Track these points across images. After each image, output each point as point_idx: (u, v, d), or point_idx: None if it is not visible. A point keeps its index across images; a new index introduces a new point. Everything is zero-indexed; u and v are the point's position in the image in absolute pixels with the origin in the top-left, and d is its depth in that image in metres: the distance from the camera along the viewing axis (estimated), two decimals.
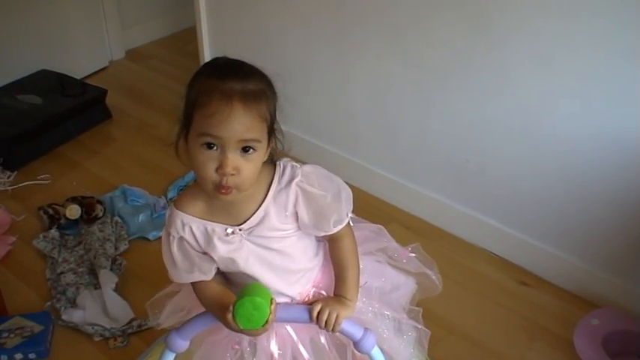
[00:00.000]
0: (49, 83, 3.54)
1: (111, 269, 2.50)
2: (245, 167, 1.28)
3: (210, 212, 1.39)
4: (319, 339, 1.52)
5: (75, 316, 2.31)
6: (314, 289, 1.51)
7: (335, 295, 1.45)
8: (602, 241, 2.36)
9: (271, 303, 1.29)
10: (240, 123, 1.25)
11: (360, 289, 1.49)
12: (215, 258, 1.39)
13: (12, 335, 2.22)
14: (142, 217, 2.81)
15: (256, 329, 1.30)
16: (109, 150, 3.39)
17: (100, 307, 2.34)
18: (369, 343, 1.35)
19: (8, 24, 3.55)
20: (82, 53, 3.99)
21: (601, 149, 2.23)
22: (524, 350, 2.30)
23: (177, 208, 1.40)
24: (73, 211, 2.75)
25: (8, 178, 3.09)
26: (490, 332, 2.35)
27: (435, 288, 1.74)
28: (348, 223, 1.46)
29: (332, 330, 1.37)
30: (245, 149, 1.27)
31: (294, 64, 3.02)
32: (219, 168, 1.26)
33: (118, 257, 2.59)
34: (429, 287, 1.73)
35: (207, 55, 3.41)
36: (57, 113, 3.35)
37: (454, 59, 2.45)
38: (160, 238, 2.68)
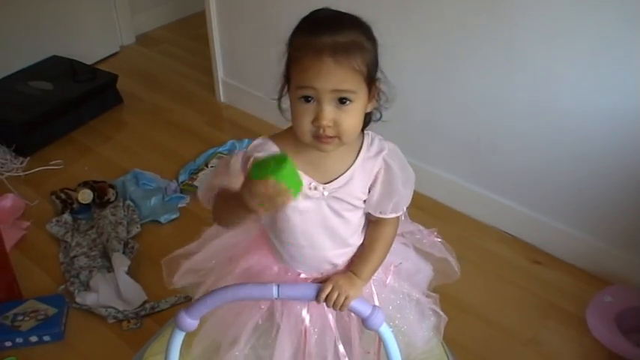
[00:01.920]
0: (61, 69, 3.54)
1: (123, 252, 2.51)
2: (343, 119, 1.29)
3: (297, 162, 1.36)
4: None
5: (89, 298, 2.32)
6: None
7: (350, 270, 1.45)
8: (615, 217, 2.35)
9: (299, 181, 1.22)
10: (332, 75, 1.26)
11: (392, 269, 1.54)
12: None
13: (27, 318, 2.24)
14: (153, 200, 2.82)
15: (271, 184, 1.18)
16: (120, 135, 3.40)
17: (113, 290, 2.36)
18: (378, 319, 1.35)
19: (19, 11, 3.56)
20: (93, 39, 3.99)
21: (614, 125, 2.21)
22: (537, 328, 2.29)
23: (271, 140, 1.42)
24: (86, 196, 2.77)
25: (21, 163, 3.11)
26: (503, 311, 2.35)
27: (453, 274, 1.74)
28: (398, 217, 1.48)
29: (340, 309, 1.37)
30: (342, 100, 1.28)
31: None
32: (315, 120, 1.28)
33: (130, 240, 2.61)
34: (448, 273, 1.74)
35: (216, 39, 3.41)
36: (68, 99, 3.36)
37: (464, 37, 2.44)
38: (171, 220, 2.73)
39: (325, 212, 1.42)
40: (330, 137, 1.30)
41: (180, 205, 2.83)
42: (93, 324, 2.29)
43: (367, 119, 1.42)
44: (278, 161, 1.18)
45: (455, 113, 2.61)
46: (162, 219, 2.74)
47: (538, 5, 2.20)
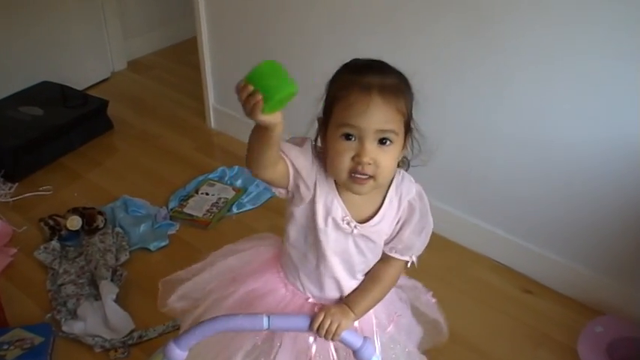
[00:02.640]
0: (51, 94, 3.53)
1: (111, 280, 2.49)
2: (383, 159, 1.31)
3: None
4: None
5: (75, 327, 2.30)
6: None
7: (343, 302, 1.46)
8: (606, 247, 2.35)
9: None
10: (379, 112, 1.28)
11: (395, 318, 1.58)
12: (316, 213, 1.41)
13: (12, 347, 2.21)
14: (143, 227, 2.80)
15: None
16: (110, 161, 3.39)
17: (100, 318, 2.33)
18: (369, 352, 1.34)
19: (10, 35, 3.55)
20: (84, 64, 3.99)
21: (603, 155, 2.22)
22: (529, 358, 2.29)
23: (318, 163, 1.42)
24: (74, 222, 2.75)
25: (10, 189, 3.09)
26: (494, 340, 2.34)
27: (442, 337, 1.78)
28: (406, 263, 1.50)
29: (332, 339, 1.36)
30: (382, 141, 1.31)
31: (295, 72, 3.00)
32: (357, 156, 1.30)
33: (118, 268, 2.58)
34: (437, 335, 1.77)
35: (208, 66, 3.41)
36: (59, 124, 3.35)
37: (454, 66, 2.45)
38: (161, 248, 2.71)
39: (349, 246, 1.44)
40: (367, 177, 1.31)
41: (169, 233, 2.81)
42: (79, 353, 2.25)
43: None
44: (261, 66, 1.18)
45: (446, 143, 2.60)
46: (152, 246, 2.72)
47: (528, 37, 2.21)
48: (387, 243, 1.47)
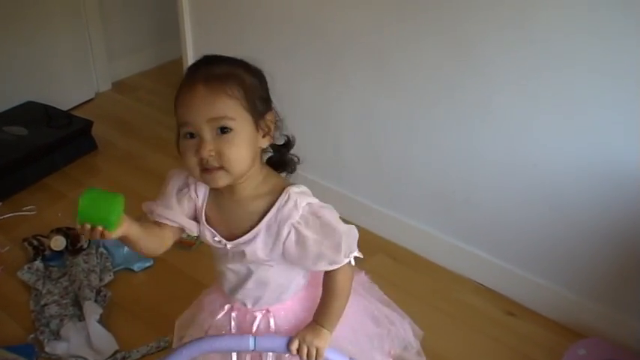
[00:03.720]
0: (35, 115, 3.53)
1: (95, 300, 2.47)
2: (226, 148, 1.28)
3: (211, 210, 1.43)
4: None
5: (59, 348, 2.28)
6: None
7: (313, 320, 1.45)
8: (589, 271, 2.36)
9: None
10: (204, 102, 1.27)
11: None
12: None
13: None
14: (126, 248, 2.78)
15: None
16: (94, 181, 3.38)
17: (84, 339, 2.32)
18: None
19: None
20: (69, 85, 3.99)
21: (587, 178, 2.24)
22: None
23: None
24: (58, 242, 2.74)
25: None
26: None
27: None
28: (349, 262, 1.44)
29: None
30: (222, 130, 1.28)
31: (279, 95, 3.01)
32: (197, 152, 1.28)
33: (102, 288, 2.57)
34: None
35: None
36: (43, 145, 3.34)
37: (438, 90, 2.47)
38: (145, 269, 2.70)
39: (238, 265, 1.47)
40: (215, 168, 1.30)
41: None
42: None
43: (277, 160, 1.47)
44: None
45: (430, 166, 2.63)
46: (136, 267, 2.71)
47: (513, 60, 2.24)
48: (303, 264, 1.43)
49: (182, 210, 1.44)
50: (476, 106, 2.40)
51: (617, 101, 2.08)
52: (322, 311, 1.46)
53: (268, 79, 1.43)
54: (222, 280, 1.53)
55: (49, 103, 3.64)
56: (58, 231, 2.80)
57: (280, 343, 1.36)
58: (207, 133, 1.28)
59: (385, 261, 2.76)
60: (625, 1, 1.96)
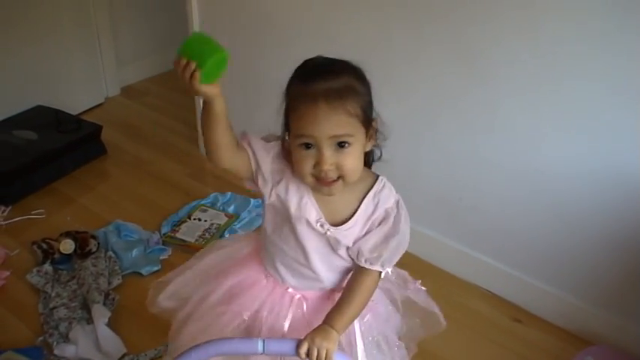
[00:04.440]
0: (45, 119, 3.55)
1: (104, 304, 2.49)
2: (344, 161, 1.35)
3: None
4: None
5: (67, 351, 2.29)
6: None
7: (324, 322, 1.46)
8: (596, 278, 2.37)
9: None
10: (328, 120, 1.32)
11: (371, 305, 1.57)
12: (290, 212, 1.47)
13: None
14: (135, 252, 2.81)
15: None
16: (103, 186, 3.40)
17: (92, 342, 2.33)
18: None
19: (5, 60, 3.58)
20: (78, 89, 4.02)
21: (594, 185, 2.25)
22: None
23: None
24: (67, 246, 2.75)
25: (3, 212, 3.09)
26: None
27: (440, 326, 1.79)
28: (380, 273, 1.50)
29: None
30: (340, 144, 1.34)
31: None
32: (317, 164, 1.35)
33: (111, 292, 2.59)
34: (435, 325, 1.79)
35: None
36: (52, 149, 3.36)
37: (443, 98, 2.49)
38: (153, 272, 2.71)
39: (324, 245, 1.49)
40: (333, 180, 1.36)
41: (162, 258, 2.82)
42: None
43: (368, 158, 1.49)
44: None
45: (437, 172, 2.64)
46: (144, 271, 2.73)
47: (516, 68, 2.25)
48: (362, 253, 1.47)
49: (266, 167, 1.47)
50: (481, 113, 2.41)
51: (619, 110, 2.10)
52: (337, 312, 1.47)
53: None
54: (275, 259, 1.56)
55: (58, 108, 3.66)
56: (67, 234, 2.82)
57: (289, 346, 1.37)
58: (328, 149, 1.34)
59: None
60: (626, 12, 1.97)
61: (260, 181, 1.47)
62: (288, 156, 1.45)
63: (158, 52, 4.52)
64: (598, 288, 2.38)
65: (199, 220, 3.04)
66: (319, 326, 1.44)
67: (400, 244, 1.48)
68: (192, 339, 1.55)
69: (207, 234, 2.95)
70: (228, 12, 3.13)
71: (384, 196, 1.47)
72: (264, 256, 1.60)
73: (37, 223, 3.06)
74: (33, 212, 3.11)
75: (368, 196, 1.46)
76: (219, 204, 3.17)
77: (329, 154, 1.34)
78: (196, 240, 2.92)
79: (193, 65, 1.23)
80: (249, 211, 3.10)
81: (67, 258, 2.76)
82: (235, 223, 3.03)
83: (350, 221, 1.46)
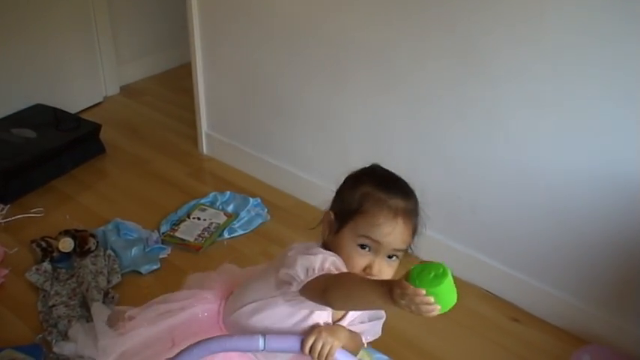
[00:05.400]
0: (44, 117, 3.56)
1: (103, 302, 2.49)
2: (387, 271, 1.45)
3: None
4: None
5: (66, 348, 2.28)
6: None
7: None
8: (594, 278, 2.38)
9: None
10: (400, 235, 1.42)
11: None
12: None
13: None
14: (134, 250, 2.81)
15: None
16: (102, 184, 3.40)
17: (91, 340, 2.31)
18: None
19: (4, 58, 3.58)
20: (77, 88, 4.02)
21: (593, 187, 2.25)
22: None
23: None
24: (66, 244, 2.75)
25: (1, 211, 3.09)
26: None
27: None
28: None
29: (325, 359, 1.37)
30: (390, 256, 1.43)
31: (287, 101, 3.05)
32: (369, 268, 1.43)
33: (110, 290, 2.59)
34: None
35: (201, 91, 3.44)
36: (51, 148, 3.36)
37: (445, 99, 2.49)
38: (152, 271, 2.72)
39: None
40: None
41: (161, 256, 2.83)
42: None
43: None
44: (438, 275, 1.20)
45: (436, 171, 2.65)
46: (143, 269, 2.73)
47: (518, 71, 2.26)
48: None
49: None
50: (483, 115, 2.42)
51: (620, 110, 2.11)
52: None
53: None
54: None
55: (57, 106, 3.67)
56: (66, 233, 2.81)
57: (291, 342, 1.37)
58: (384, 258, 1.43)
59: None
60: (627, 12, 1.98)
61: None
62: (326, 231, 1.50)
63: (158, 52, 4.53)
64: (596, 288, 2.39)
65: (198, 219, 3.05)
66: (325, 326, 1.45)
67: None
68: None
69: (206, 233, 2.96)
70: (228, 11, 3.14)
71: None
72: (232, 326, 1.55)
73: (35, 221, 3.05)
74: (32, 210, 3.10)
75: None
76: (218, 203, 3.17)
77: (381, 261, 1.43)
78: (195, 239, 2.92)
79: (438, 307, 1.22)
80: (249, 210, 3.10)
81: (66, 256, 2.76)
82: (234, 222, 3.04)
83: (347, 316, 1.52)
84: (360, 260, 1.43)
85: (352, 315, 1.53)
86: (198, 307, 1.62)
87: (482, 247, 2.64)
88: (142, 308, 1.69)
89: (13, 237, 2.93)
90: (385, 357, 2.06)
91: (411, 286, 1.18)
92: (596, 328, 2.41)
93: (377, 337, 1.65)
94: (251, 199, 3.16)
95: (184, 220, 3.04)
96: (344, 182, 1.53)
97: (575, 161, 2.26)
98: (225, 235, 2.98)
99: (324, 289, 1.33)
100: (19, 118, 3.56)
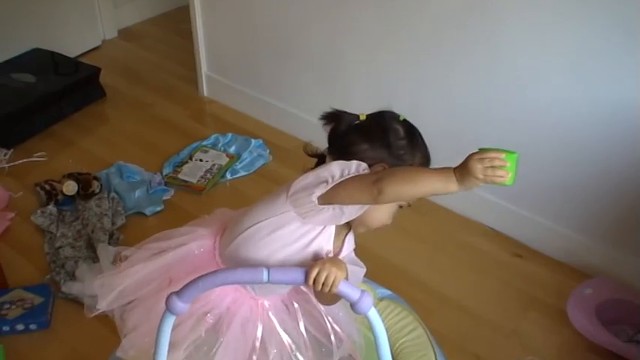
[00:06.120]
0: (43, 62, 3.54)
1: (108, 243, 2.51)
2: None
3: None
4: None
5: (74, 288, 2.30)
6: None
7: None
8: (596, 212, 2.39)
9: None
10: None
11: None
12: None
13: (13, 307, 2.25)
14: (138, 193, 2.82)
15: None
16: (103, 128, 3.40)
17: None
18: (366, 304, 1.36)
19: (1, 3, 3.53)
20: (75, 32, 3.97)
21: (596, 121, 2.25)
22: (519, 320, 2.33)
23: None
24: (70, 187, 2.76)
25: (5, 155, 3.09)
26: (484, 303, 2.38)
27: None
28: None
29: (330, 290, 1.37)
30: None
31: (289, 41, 3.02)
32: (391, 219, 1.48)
33: (115, 232, 2.61)
34: None
35: (200, 33, 3.41)
36: (51, 92, 3.35)
37: (447, 33, 2.47)
38: (156, 213, 2.73)
39: None
40: None
41: (164, 198, 2.84)
42: (79, 313, 2.24)
43: None
44: (508, 151, 1.26)
45: (439, 108, 2.63)
46: (147, 211, 2.75)
47: (525, 6, 2.23)
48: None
49: None
50: (486, 48, 2.40)
51: (621, 45, 2.09)
52: None
53: None
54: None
55: (55, 51, 3.63)
56: (70, 176, 2.82)
57: (295, 274, 1.37)
58: None
59: None
60: None
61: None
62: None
63: None
64: (597, 222, 2.40)
65: (201, 160, 3.05)
66: (328, 258, 1.44)
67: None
68: (139, 323, 1.56)
69: (208, 174, 2.96)
70: None
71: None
72: (229, 260, 1.52)
73: (39, 165, 3.06)
74: (35, 155, 3.11)
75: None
76: (220, 145, 3.17)
77: None
78: (198, 180, 2.93)
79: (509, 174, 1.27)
80: (250, 151, 3.10)
81: (70, 199, 2.78)
82: (236, 163, 3.04)
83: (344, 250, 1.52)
84: (388, 218, 1.47)
85: (346, 251, 1.52)
86: (193, 244, 1.58)
87: (485, 185, 2.63)
88: (136, 247, 1.68)
89: (18, 181, 2.94)
90: (388, 292, 2.08)
91: (493, 151, 1.24)
92: (597, 262, 2.43)
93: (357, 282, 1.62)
94: (253, 141, 3.15)
95: (187, 162, 3.04)
96: (394, 134, 1.49)
97: (577, 95, 2.25)
98: (228, 176, 2.99)
99: (376, 179, 1.32)
100: (18, 63, 3.53)
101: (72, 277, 2.39)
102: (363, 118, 1.53)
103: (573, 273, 2.47)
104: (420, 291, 2.40)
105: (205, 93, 3.61)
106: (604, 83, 2.18)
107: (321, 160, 1.54)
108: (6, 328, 2.21)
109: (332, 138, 1.53)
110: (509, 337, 2.26)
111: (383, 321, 1.44)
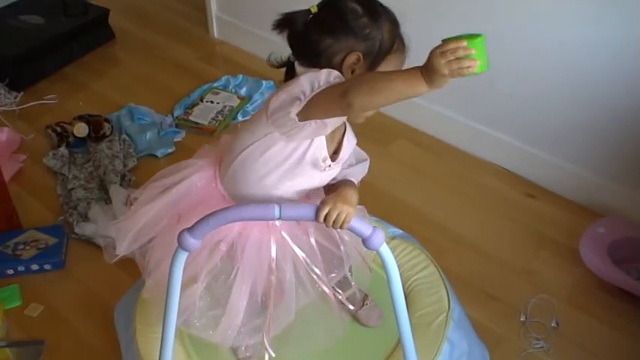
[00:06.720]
0: (51, 3, 3.49)
1: (120, 185, 2.52)
2: None
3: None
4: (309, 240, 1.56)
5: (87, 229, 2.34)
6: None
7: (343, 185, 1.46)
8: (608, 151, 2.37)
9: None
10: None
11: None
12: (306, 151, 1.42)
13: (27, 247, 2.27)
14: (149, 135, 2.82)
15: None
16: (114, 71, 3.38)
17: (111, 220, 2.37)
18: (378, 239, 1.36)
19: None
20: None
21: (609, 59, 2.21)
22: (531, 259, 2.33)
23: None
24: (81, 129, 2.76)
25: (15, 98, 3.09)
26: (496, 243, 2.38)
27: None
28: None
29: (340, 228, 1.37)
30: None
31: None
32: None
33: (127, 173, 2.62)
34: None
35: None
36: (60, 33, 3.33)
37: None
38: (167, 155, 2.73)
39: (315, 181, 1.48)
40: None
41: (175, 140, 2.84)
42: (92, 253, 2.30)
43: None
44: (472, 36, 1.16)
45: None
46: (159, 153, 2.75)
47: None
48: None
49: None
50: None
51: None
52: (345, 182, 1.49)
53: None
54: (243, 188, 1.50)
55: None
56: (81, 118, 2.82)
57: (307, 211, 1.36)
58: None
59: (407, 146, 2.77)
60: None
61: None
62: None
63: None
64: (610, 161, 2.38)
65: (212, 102, 3.03)
66: (339, 190, 1.43)
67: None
68: (159, 261, 1.56)
69: (220, 116, 2.95)
70: None
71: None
72: (230, 181, 1.51)
73: (49, 108, 3.06)
74: (45, 97, 3.11)
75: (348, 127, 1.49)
76: (231, 86, 3.15)
77: None
78: (209, 122, 2.92)
79: (477, 62, 1.16)
80: (262, 93, 3.08)
81: (81, 141, 2.78)
82: (247, 105, 3.03)
83: (341, 153, 1.46)
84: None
85: (346, 150, 1.48)
86: (194, 176, 1.56)
87: (498, 124, 2.62)
88: (142, 189, 1.67)
89: (29, 124, 2.95)
90: (400, 231, 2.08)
91: (453, 40, 1.15)
92: (610, 201, 2.42)
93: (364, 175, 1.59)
94: (264, 82, 3.13)
95: (197, 104, 3.03)
96: (352, 15, 1.38)
97: (591, 32, 2.21)
98: (239, 118, 2.97)
99: (343, 92, 1.25)
100: (26, 5, 3.50)
101: (85, 218, 2.40)
102: (314, 10, 1.41)
103: (586, 213, 2.46)
104: (432, 230, 2.40)
105: (216, 34, 3.57)
106: (620, 21, 2.13)
107: (290, 68, 1.47)
108: (21, 268, 2.23)
109: (293, 43, 1.46)
110: (521, 275, 2.27)
111: (395, 257, 1.44)
